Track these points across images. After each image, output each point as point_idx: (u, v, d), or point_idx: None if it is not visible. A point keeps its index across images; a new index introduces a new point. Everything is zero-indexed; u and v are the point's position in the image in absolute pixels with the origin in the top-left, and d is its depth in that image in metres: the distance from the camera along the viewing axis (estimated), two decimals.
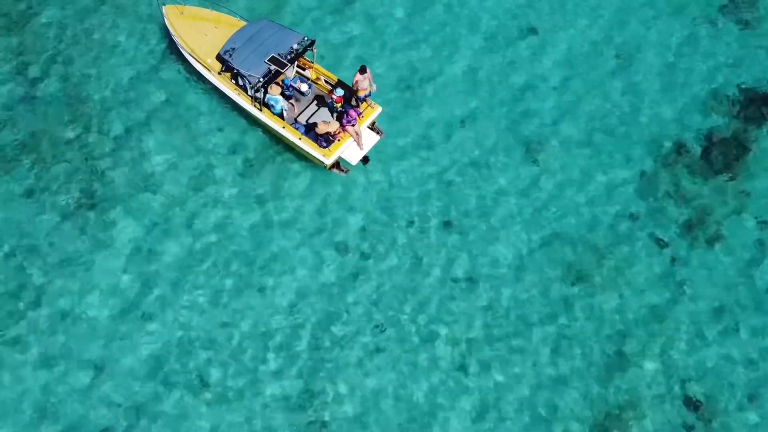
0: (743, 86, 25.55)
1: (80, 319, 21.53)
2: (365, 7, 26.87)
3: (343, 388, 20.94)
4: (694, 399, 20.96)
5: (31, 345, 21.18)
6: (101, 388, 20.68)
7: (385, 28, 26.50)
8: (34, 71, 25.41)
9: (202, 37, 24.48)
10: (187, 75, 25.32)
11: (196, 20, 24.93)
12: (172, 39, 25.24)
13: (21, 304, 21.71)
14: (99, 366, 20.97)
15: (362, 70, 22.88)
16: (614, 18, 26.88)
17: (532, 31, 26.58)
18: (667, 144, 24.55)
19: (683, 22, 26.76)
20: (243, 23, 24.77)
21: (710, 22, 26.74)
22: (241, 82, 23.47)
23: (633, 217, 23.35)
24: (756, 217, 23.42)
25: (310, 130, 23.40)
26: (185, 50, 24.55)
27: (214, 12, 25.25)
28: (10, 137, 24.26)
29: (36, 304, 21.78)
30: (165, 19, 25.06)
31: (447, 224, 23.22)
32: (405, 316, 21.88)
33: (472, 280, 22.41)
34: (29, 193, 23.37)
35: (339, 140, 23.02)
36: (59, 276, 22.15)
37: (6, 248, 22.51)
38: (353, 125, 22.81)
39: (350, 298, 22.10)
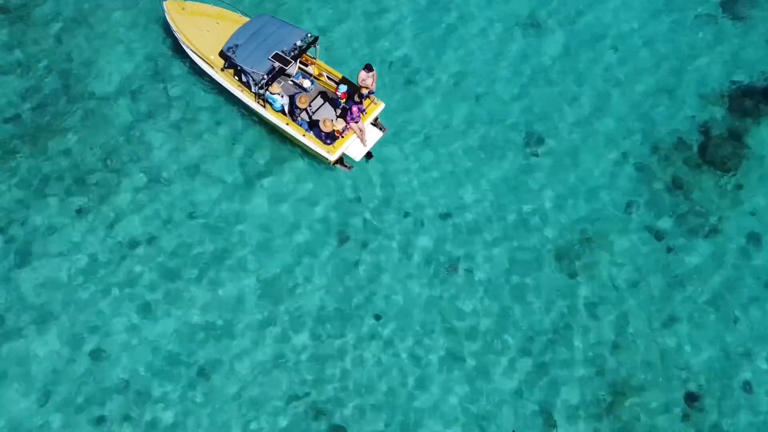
0: (740, 81, 25.77)
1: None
2: (366, 2, 26.91)
3: (341, 379, 21.32)
4: (690, 389, 21.30)
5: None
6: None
7: (386, 23, 26.55)
8: (36, 65, 25.40)
9: (203, 33, 24.43)
10: (189, 70, 25.31)
11: (198, 16, 24.86)
12: (173, 34, 25.21)
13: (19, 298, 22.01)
14: (96, 351, 21.28)
15: (368, 68, 22.98)
16: (612, 12, 27.01)
17: (533, 24, 26.74)
18: (665, 137, 24.77)
19: (681, 17, 26.94)
20: (245, 19, 24.71)
21: (709, 16, 26.93)
22: (244, 79, 23.51)
23: (631, 209, 23.65)
24: (752, 210, 23.74)
25: (313, 126, 23.54)
26: (187, 46, 24.51)
27: (216, 7, 25.18)
28: (11, 130, 24.28)
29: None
30: (166, 15, 24.97)
31: (448, 217, 23.45)
32: (403, 307, 22.17)
33: (470, 272, 22.67)
34: (30, 186, 23.45)
35: (343, 137, 23.16)
36: (58, 269, 22.33)
37: (6, 243, 22.64)
38: (356, 122, 22.93)
39: (349, 291, 22.38)
